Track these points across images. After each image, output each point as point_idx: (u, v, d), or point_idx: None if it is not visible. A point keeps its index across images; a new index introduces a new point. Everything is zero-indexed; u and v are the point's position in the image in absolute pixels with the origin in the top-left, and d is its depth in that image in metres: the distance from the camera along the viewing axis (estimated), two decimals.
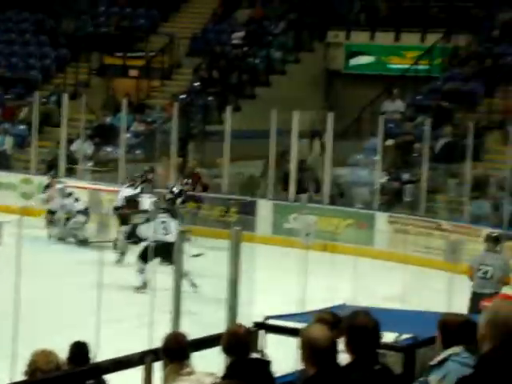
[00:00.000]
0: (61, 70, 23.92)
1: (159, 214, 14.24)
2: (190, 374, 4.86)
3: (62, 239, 17.41)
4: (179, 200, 17.23)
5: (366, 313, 4.30)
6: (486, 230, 16.03)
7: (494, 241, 11.74)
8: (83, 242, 17.01)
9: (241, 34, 23.56)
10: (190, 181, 18.87)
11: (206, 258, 14.86)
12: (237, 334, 5.24)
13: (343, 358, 4.13)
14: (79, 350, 6.09)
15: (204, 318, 10.08)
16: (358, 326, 4.20)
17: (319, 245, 16.36)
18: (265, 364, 5.26)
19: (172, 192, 17.19)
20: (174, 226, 13.84)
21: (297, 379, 4.97)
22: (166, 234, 13.63)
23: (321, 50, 23.61)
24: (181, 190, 17.56)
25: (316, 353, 3.83)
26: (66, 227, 17.27)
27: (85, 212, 17.29)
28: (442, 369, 4.56)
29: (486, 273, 11.30)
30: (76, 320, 11.20)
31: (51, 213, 17.58)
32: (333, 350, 3.88)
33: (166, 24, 24.96)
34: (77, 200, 17.33)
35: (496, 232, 12.63)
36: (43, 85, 23.62)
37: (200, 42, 24.01)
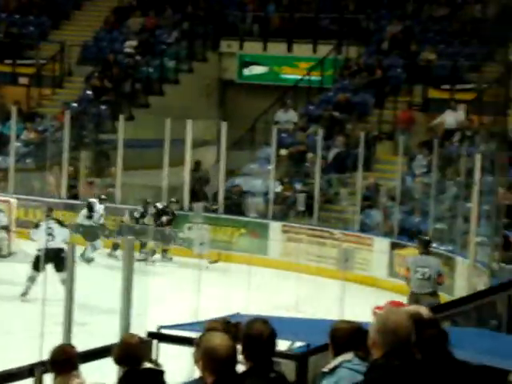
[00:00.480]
0: None
1: (48, 221, 14.09)
2: None
3: None
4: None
5: (263, 321, 4.31)
6: (376, 239, 16.36)
7: (425, 244, 12.62)
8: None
9: (133, 42, 23.42)
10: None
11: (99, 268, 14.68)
12: (129, 344, 5.19)
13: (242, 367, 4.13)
14: None
15: (97, 329, 9.95)
16: (254, 333, 4.20)
17: (213, 254, 16.36)
18: (158, 374, 5.22)
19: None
20: (60, 232, 13.74)
21: None
22: (51, 241, 13.52)
23: (214, 60, 23.67)
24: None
25: (215, 361, 3.81)
26: None
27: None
28: (334, 376, 4.59)
29: (424, 274, 12.05)
30: None
31: None
32: (232, 359, 3.87)
33: (57, 31, 24.59)
34: None
35: (427, 236, 13.69)
36: None
37: (92, 50, 23.74)
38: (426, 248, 12.52)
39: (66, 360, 4.92)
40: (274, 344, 4.28)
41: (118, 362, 5.19)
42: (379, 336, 3.74)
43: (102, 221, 17.17)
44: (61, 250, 13.02)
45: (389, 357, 3.69)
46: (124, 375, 5.11)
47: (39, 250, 13.34)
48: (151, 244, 17.11)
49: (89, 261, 16.03)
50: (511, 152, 16.16)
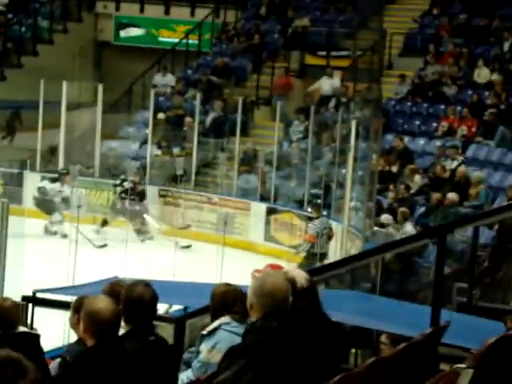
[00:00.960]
0: None
1: None
2: None
3: None
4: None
5: (144, 284, 4.29)
6: (253, 204, 16.49)
7: (317, 207, 13.78)
8: None
9: (5, 0, 22.72)
10: None
11: None
12: (2, 307, 5.08)
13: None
14: None
15: None
16: (135, 296, 4.18)
17: (89, 218, 16.15)
18: (33, 337, 5.13)
19: None
20: None
21: (66, 352, 4.88)
22: None
23: (89, 21, 23.23)
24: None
25: (98, 325, 3.77)
26: None
27: None
28: (213, 338, 4.63)
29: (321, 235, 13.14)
30: None
31: None
32: (116, 323, 3.84)
33: None
34: None
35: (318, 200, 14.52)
36: None
37: None
38: (318, 211, 13.63)
39: None
40: (155, 307, 4.27)
41: None
42: (257, 298, 3.77)
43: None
44: None
45: (266, 319, 3.73)
46: None
47: None
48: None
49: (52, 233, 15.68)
50: (385, 119, 16.50)
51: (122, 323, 3.99)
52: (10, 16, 22.41)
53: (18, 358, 1.97)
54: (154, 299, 4.24)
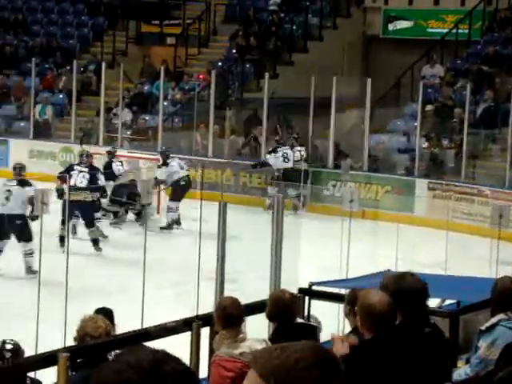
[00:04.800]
0: (98, 39, 23.93)
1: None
2: (243, 340, 4.85)
3: None
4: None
5: (412, 275, 4.27)
6: None
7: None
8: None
9: (278, 0, 23.39)
10: None
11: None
12: (281, 299, 5.25)
13: None
14: (104, 315, 6.04)
15: (244, 286, 10.09)
16: (405, 287, 4.17)
17: (358, 212, 16.27)
18: (310, 329, 5.26)
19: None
20: None
21: None
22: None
23: (358, 16, 23.38)
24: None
25: (374, 318, 3.81)
26: None
27: None
28: (492, 334, 4.53)
29: None
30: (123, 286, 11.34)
31: None
32: (391, 316, 3.86)
33: None
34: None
35: None
36: (81, 54, 23.66)
37: (236, 8, 23.88)
38: None
39: (237, 314, 4.93)
40: (426, 298, 4.23)
41: (271, 317, 5.26)
42: None
43: None
44: None
45: None
46: (276, 330, 5.18)
47: None
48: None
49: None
50: None
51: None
52: (282, 15, 23.06)
53: (334, 356, 1.99)
54: (425, 290, 4.20)
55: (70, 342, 5.14)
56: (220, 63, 22.18)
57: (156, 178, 15.96)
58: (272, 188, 17.42)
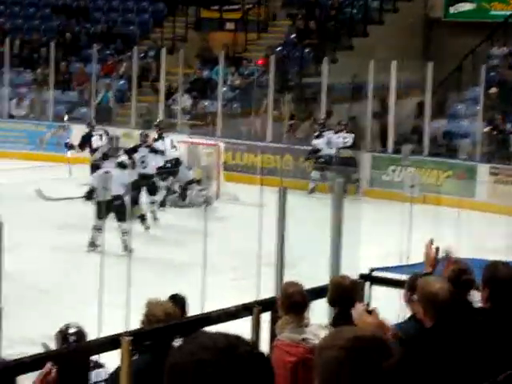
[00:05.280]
0: (158, 25, 24.06)
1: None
2: (306, 325, 4.84)
3: None
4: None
5: (504, 264, 4.20)
6: None
7: None
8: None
9: None
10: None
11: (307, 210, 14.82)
12: (342, 285, 5.22)
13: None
14: (176, 302, 6.08)
15: (302, 271, 10.06)
16: (500, 276, 4.09)
17: (419, 197, 16.13)
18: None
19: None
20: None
21: (401, 330, 4.90)
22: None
23: None
24: None
25: (436, 306, 3.77)
26: None
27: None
28: None
29: None
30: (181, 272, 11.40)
31: None
32: (451, 304, 3.81)
33: None
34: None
35: None
36: (141, 40, 23.82)
37: None
38: None
39: (302, 300, 4.93)
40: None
41: (332, 303, 5.24)
42: None
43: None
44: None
45: None
46: (337, 316, 5.16)
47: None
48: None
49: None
50: None
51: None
52: None
53: (383, 337, 1.99)
54: None
55: (134, 326, 5.19)
56: (279, 48, 22.12)
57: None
58: (316, 172, 17.68)
